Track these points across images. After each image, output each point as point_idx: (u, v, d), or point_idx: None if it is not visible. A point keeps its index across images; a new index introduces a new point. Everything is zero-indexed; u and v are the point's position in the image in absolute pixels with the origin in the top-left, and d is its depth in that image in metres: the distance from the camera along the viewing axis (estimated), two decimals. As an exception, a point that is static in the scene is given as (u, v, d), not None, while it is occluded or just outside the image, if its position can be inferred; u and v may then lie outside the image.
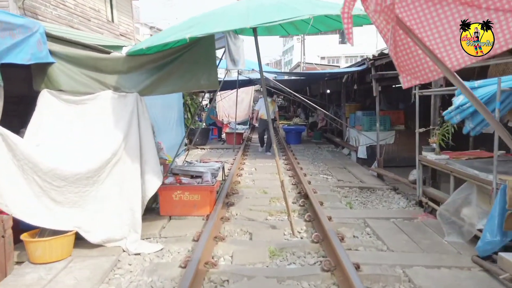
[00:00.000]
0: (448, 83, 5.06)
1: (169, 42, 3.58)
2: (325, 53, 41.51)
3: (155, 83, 3.99)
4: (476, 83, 3.82)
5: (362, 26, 4.12)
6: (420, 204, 5.24)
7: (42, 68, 3.65)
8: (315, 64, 20.03)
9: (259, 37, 4.44)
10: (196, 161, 6.33)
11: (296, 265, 3.51)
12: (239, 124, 14.46)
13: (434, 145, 4.90)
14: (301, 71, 17.84)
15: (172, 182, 4.83)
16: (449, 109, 3.97)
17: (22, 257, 3.51)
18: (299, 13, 3.41)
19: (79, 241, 3.68)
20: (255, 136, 15.22)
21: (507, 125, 4.40)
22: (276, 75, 13.42)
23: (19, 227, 3.46)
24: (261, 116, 10.19)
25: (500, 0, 1.78)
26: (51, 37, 3.66)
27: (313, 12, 3.37)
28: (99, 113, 3.81)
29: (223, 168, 6.55)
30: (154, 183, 4.04)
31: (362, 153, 9.03)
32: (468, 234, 3.77)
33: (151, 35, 27.67)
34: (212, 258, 3.60)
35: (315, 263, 3.54)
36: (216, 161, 6.37)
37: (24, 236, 3.45)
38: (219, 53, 7.82)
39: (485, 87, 3.70)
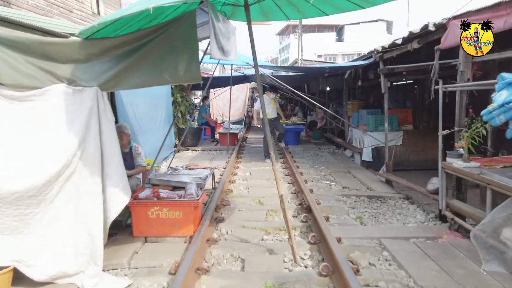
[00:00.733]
0: (476, 78, 4.30)
1: (128, 17, 2.73)
2: (322, 51, 40.89)
3: (121, 74, 3.09)
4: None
5: None
6: (441, 218, 4.50)
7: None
8: (314, 61, 19.26)
9: (253, 26, 3.65)
10: (182, 167, 5.50)
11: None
12: (233, 123, 13.63)
13: (461, 150, 4.13)
14: (300, 66, 17.02)
15: (148, 195, 3.99)
16: (490, 107, 3.20)
17: None
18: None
19: (21, 279, 2.86)
20: (250, 136, 14.39)
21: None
22: (273, 71, 12.57)
23: None
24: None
25: None
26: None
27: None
28: (48, 113, 2.96)
29: (213, 174, 5.74)
30: (119, 200, 3.19)
31: (367, 155, 8.30)
32: (514, 262, 3.06)
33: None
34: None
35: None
36: (205, 168, 5.56)
37: None
38: (202, 46, 6.93)
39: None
